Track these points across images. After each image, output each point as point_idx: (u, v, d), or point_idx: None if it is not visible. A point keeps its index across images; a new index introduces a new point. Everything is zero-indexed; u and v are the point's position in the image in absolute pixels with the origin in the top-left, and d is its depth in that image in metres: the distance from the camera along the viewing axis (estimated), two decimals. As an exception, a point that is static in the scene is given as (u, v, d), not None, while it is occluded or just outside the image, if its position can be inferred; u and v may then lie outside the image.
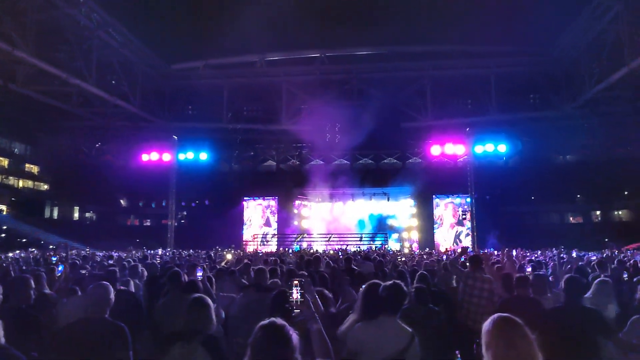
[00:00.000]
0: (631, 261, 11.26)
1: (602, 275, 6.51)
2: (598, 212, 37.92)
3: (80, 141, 37.79)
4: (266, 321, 2.36)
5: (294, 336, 2.32)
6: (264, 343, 2.28)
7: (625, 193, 36.13)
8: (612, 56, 26.09)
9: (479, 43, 30.74)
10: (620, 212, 37.48)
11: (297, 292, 3.03)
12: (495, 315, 2.42)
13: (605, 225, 35.99)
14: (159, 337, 4.81)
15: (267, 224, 34.82)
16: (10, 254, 18.91)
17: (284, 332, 2.31)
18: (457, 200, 32.91)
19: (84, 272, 7.14)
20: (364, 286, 3.88)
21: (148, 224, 41.36)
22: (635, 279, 7.20)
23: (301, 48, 32.64)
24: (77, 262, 10.44)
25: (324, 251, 23.49)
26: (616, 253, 13.93)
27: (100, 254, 18.81)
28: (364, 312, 3.68)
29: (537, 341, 3.90)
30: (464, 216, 31.84)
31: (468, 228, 30.94)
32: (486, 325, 2.38)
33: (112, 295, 3.93)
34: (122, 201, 41.20)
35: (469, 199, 29.96)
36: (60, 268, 7.22)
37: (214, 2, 29.24)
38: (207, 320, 3.62)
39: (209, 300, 3.73)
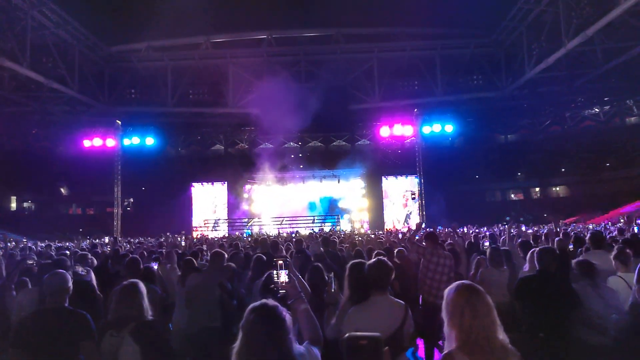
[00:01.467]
0: (573, 233, 11.82)
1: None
2: (537, 189, 39.68)
3: (15, 127, 35.82)
4: (257, 303, 2.28)
5: (287, 317, 2.25)
6: (257, 325, 2.19)
7: (562, 170, 37.97)
8: (550, 38, 27.12)
9: (425, 25, 31.11)
10: (557, 188, 39.38)
11: (283, 273, 2.97)
12: (458, 283, 2.44)
13: (544, 200, 37.78)
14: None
15: (217, 209, 34.42)
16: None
17: (277, 313, 2.23)
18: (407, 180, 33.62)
19: (31, 262, 6.79)
20: (348, 266, 3.77)
21: (92, 212, 39.91)
22: (579, 250, 7.56)
23: (247, 29, 31.97)
24: (15, 253, 9.98)
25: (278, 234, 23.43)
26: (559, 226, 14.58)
27: (43, 244, 18.00)
28: (353, 295, 3.56)
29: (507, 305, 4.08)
30: (413, 196, 32.55)
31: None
32: (449, 293, 2.41)
33: (70, 284, 3.75)
34: (62, 189, 39.50)
35: (417, 179, 30.60)
36: None
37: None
38: (138, 307, 3.50)
39: (141, 286, 3.61)
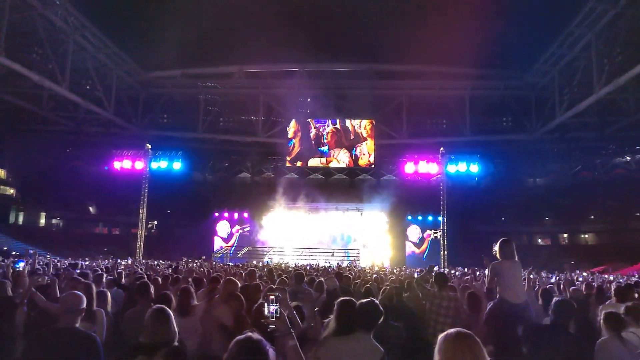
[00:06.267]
0: (595, 283, 11.45)
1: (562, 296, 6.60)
2: (565, 235, 38.72)
3: (50, 145, 36.92)
4: (242, 336, 2.26)
5: (271, 351, 2.22)
6: (240, 358, 2.18)
7: (591, 217, 37.06)
8: (581, 83, 26.98)
9: (456, 65, 31.24)
10: (586, 236, 38.35)
11: (273, 307, 2.95)
12: (451, 330, 2.33)
13: (572, 248, 36.76)
14: (124, 348, 4.67)
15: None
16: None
17: (260, 347, 2.20)
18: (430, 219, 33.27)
19: (40, 279, 6.90)
20: (338, 302, 3.83)
21: (117, 232, 40.49)
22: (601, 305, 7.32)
23: (281, 61, 32.62)
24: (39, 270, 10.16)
25: (296, 265, 23.27)
26: (577, 273, 14.14)
27: (66, 261, 18.32)
28: (339, 327, 3.61)
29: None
30: (435, 235, 32.11)
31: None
32: (440, 339, 2.24)
33: (84, 305, 3.80)
34: (90, 208, 40.26)
35: (440, 218, 30.24)
36: (19, 265, 6.95)
37: (194, 12, 29.12)
38: (169, 332, 3.51)
39: (170, 312, 3.64)
